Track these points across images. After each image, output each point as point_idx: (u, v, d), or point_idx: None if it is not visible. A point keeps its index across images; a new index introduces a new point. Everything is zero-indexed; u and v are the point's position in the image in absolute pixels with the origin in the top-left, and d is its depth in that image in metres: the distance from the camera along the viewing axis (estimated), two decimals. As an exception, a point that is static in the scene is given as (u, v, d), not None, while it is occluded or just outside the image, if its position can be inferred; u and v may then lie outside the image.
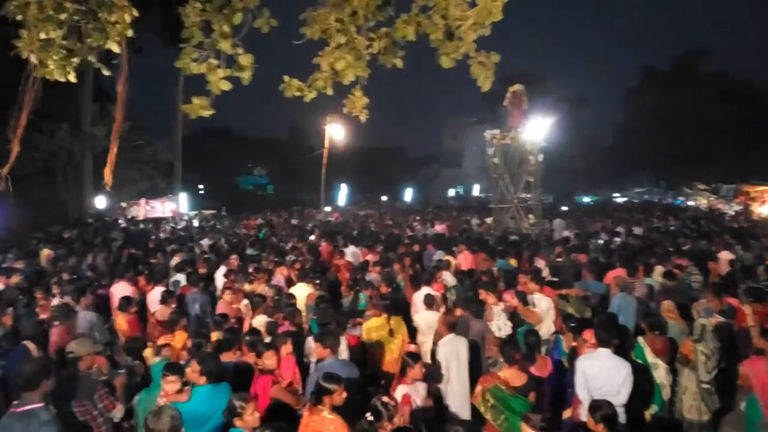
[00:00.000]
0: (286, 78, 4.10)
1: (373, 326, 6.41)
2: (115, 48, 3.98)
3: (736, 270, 9.16)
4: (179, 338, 5.97)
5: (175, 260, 10.73)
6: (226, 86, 3.99)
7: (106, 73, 4.20)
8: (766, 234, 13.90)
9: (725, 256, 10.28)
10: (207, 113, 4.01)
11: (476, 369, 5.87)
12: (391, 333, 6.33)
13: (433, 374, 5.42)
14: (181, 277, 9.06)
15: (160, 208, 24.32)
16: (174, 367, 4.47)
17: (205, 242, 14.62)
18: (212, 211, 28.20)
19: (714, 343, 5.78)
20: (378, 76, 4.20)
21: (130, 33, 4.02)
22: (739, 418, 4.95)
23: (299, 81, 4.15)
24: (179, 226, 21.30)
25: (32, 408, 3.53)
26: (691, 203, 29.28)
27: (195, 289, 8.24)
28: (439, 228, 17.55)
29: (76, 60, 3.94)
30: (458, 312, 6.69)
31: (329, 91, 4.15)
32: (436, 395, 5.40)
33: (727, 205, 25.53)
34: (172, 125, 29.17)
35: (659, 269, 8.89)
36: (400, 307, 7.18)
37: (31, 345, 5.47)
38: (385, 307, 6.55)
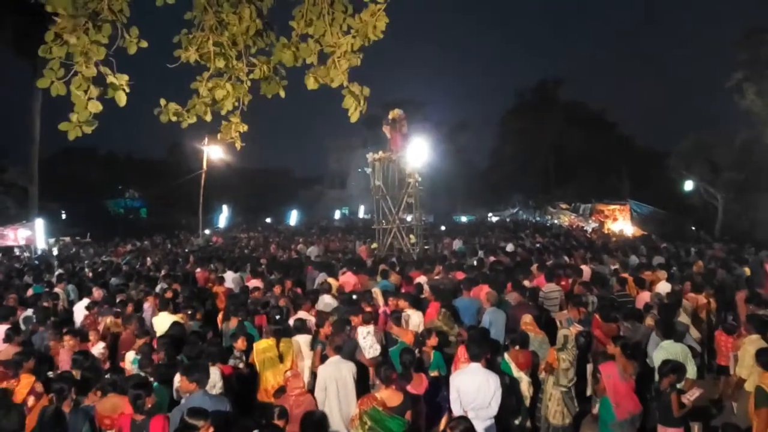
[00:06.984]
0: (162, 101, 3.73)
1: (260, 348, 6.34)
2: None
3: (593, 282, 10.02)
4: (24, 383, 5.30)
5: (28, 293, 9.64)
6: (95, 108, 3.53)
7: None
8: (617, 249, 15.47)
9: (587, 269, 11.24)
10: (89, 128, 3.52)
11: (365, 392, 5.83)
12: (281, 357, 6.24)
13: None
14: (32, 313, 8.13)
15: (12, 236, 21.64)
16: None
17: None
18: (75, 238, 25.64)
19: (575, 351, 6.29)
20: (263, 97, 4.04)
21: None
22: (596, 419, 5.39)
23: (177, 105, 3.84)
24: (35, 255, 19.19)
25: None
26: (555, 221, 31.87)
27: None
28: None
29: None
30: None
31: (208, 118, 3.91)
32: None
33: (585, 223, 28.16)
34: (27, 146, 26.29)
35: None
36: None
37: None
38: (273, 331, 6.47)
